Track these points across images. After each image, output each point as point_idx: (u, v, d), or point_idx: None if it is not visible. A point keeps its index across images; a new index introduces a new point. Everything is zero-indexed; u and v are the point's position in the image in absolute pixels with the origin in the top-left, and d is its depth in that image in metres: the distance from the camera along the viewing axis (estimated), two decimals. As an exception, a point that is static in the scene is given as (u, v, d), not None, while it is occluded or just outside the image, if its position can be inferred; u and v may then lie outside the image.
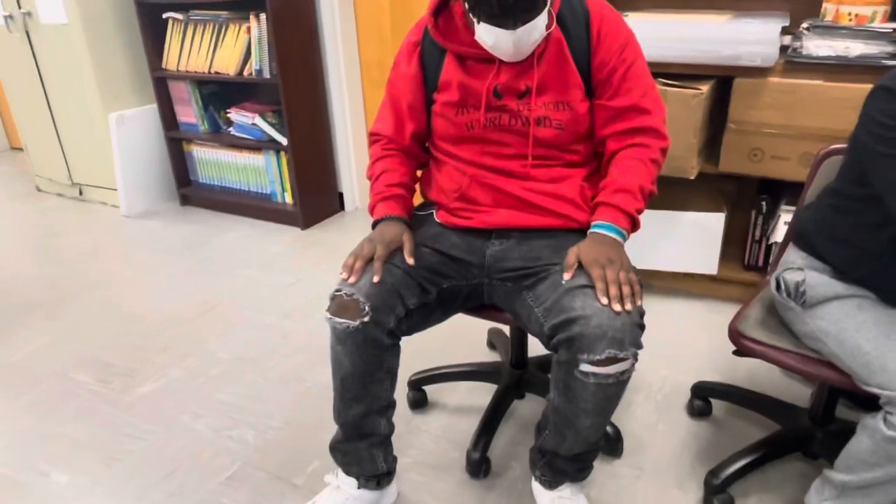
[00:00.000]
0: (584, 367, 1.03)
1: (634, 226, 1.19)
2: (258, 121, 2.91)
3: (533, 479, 1.38)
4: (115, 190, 3.25)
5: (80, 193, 3.49)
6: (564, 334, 1.05)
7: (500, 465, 1.53)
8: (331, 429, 1.35)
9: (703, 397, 1.66)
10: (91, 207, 3.40)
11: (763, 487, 1.42)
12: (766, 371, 1.81)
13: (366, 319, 1.12)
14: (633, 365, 1.05)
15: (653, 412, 1.68)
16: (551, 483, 1.31)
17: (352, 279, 1.16)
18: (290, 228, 3.01)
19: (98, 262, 2.75)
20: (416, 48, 1.28)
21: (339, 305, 1.15)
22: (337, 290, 1.16)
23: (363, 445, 1.28)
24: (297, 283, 2.48)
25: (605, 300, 1.04)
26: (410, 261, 1.20)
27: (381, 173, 1.33)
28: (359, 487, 1.32)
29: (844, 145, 1.28)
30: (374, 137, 1.38)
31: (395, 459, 1.35)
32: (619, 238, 1.15)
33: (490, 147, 1.25)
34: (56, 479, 1.54)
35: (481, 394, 1.75)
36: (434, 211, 1.35)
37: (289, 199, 3.04)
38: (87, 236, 3.03)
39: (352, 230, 2.97)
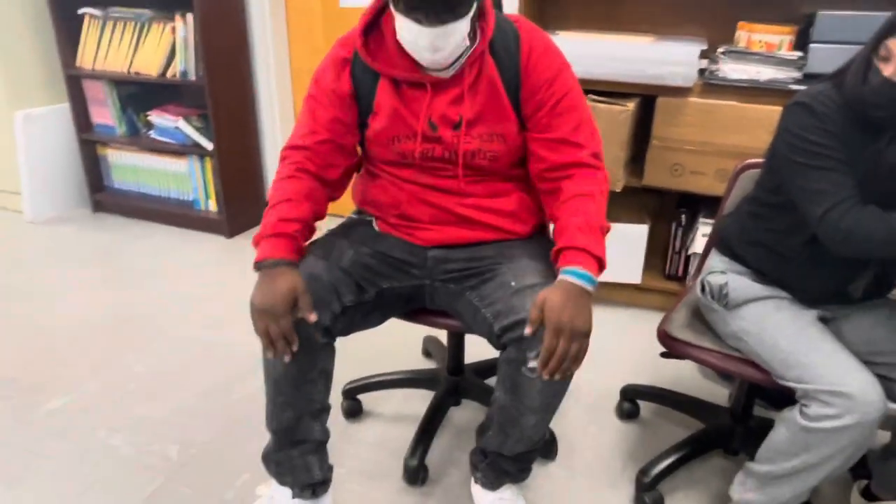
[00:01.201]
0: (532, 364, 1.04)
1: (601, 268, 1.09)
2: (182, 124, 2.80)
3: (473, 482, 1.38)
4: (19, 194, 3.02)
5: (-22, 197, 3.22)
6: (515, 334, 1.06)
7: (437, 471, 1.52)
8: (260, 441, 1.30)
9: (631, 399, 1.72)
10: (-10, 213, 3.14)
11: (689, 483, 1.48)
12: (689, 373, 1.91)
13: (299, 315, 1.08)
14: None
15: (584, 415, 1.72)
16: (493, 484, 1.32)
17: (286, 358, 1.10)
18: (214, 237, 2.90)
19: (0, 271, 2.53)
20: (345, 65, 1.19)
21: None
22: None
23: (296, 453, 1.24)
24: (222, 292, 2.38)
25: (542, 370, 1.02)
26: (312, 318, 1.08)
27: (279, 202, 1.15)
28: (293, 497, 1.27)
29: (759, 160, 1.38)
30: (285, 153, 1.22)
31: (330, 468, 1.32)
32: (590, 288, 1.05)
33: (425, 170, 1.22)
34: (-50, 505, 1.40)
35: (417, 402, 1.74)
36: (373, 220, 1.33)
37: (213, 206, 2.93)
38: (-14, 243, 2.80)
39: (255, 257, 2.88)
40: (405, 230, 1.27)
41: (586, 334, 1.02)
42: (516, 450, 1.22)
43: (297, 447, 1.23)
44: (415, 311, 1.35)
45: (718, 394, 1.81)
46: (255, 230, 2.89)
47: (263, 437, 1.28)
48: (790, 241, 1.18)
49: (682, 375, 1.90)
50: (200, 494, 1.43)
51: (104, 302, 2.30)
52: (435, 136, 1.17)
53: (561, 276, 1.05)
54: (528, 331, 1.03)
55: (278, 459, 1.25)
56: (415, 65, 1.13)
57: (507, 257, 1.19)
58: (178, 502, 1.41)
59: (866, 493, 1.37)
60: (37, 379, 1.84)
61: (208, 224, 2.93)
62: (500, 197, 1.24)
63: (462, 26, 1.04)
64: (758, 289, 1.23)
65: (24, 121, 2.86)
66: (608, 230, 1.13)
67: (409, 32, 1.05)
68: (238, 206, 2.91)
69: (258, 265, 1.11)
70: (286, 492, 1.27)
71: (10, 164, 2.96)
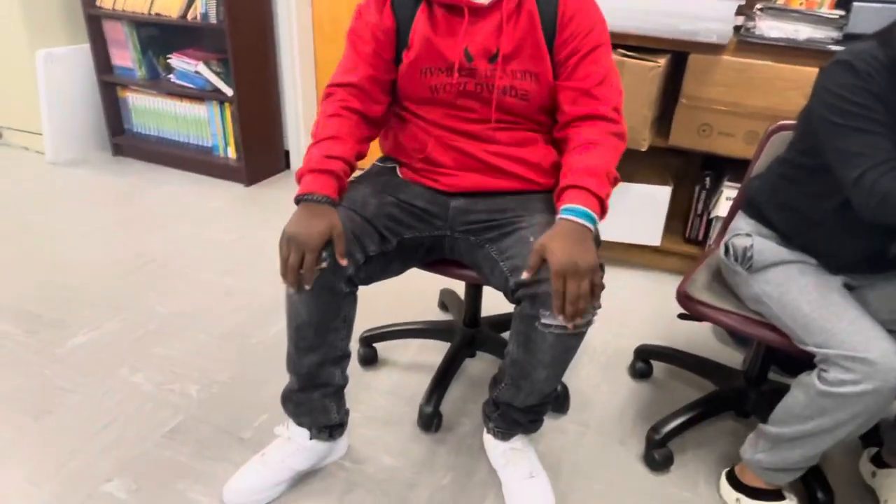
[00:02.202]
0: (546, 320, 1.05)
1: (604, 211, 1.10)
2: (202, 68, 2.77)
3: (485, 432, 1.40)
4: (41, 135, 3.03)
5: (0, 136, 3.23)
6: (530, 290, 1.06)
7: (450, 420, 1.54)
8: (278, 384, 1.32)
9: (644, 359, 1.73)
10: (13, 152, 3.15)
11: (699, 443, 1.50)
12: (704, 336, 1.91)
13: (323, 265, 1.09)
14: (592, 319, 1.07)
15: (597, 373, 1.74)
16: (504, 434, 1.34)
17: (292, 290, 1.10)
18: (233, 184, 2.90)
19: (21, 210, 2.56)
20: None
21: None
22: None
23: (317, 395, 1.26)
24: (240, 239, 2.40)
25: (560, 318, 1.01)
26: (343, 262, 1.07)
27: (324, 138, 1.16)
28: (311, 438, 1.30)
29: (792, 122, 1.35)
30: (330, 90, 1.23)
31: (347, 412, 1.34)
32: (590, 225, 1.05)
33: (454, 110, 1.23)
34: (-21, 431, 1.45)
35: (432, 353, 1.76)
36: (396, 167, 1.32)
37: (232, 153, 2.92)
38: (8, 182, 2.82)
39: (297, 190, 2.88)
40: (429, 175, 1.26)
41: (592, 270, 1.00)
42: (528, 402, 1.24)
43: (317, 391, 1.25)
44: (434, 261, 1.35)
45: (732, 358, 1.81)
46: (273, 179, 2.94)
47: (281, 381, 1.30)
48: (821, 205, 1.16)
49: (697, 338, 1.90)
50: (219, 432, 1.47)
51: (124, 244, 2.32)
52: (470, 67, 1.17)
53: (560, 217, 1.06)
54: (525, 275, 1.03)
55: (298, 401, 1.28)
56: None
57: (528, 211, 1.19)
58: (197, 439, 1.45)
59: (876, 460, 1.38)
60: (60, 316, 1.88)
61: (227, 171, 2.93)
62: (526, 146, 1.24)
63: None
64: (783, 252, 1.21)
65: (46, 60, 2.85)
66: (617, 180, 1.14)
67: None
68: (257, 153, 2.90)
69: (300, 198, 1.11)
70: (304, 432, 1.30)
71: (31, 104, 2.97)
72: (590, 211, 1.06)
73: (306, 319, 1.15)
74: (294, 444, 1.30)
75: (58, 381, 1.62)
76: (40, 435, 1.44)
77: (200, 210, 2.64)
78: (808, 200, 1.18)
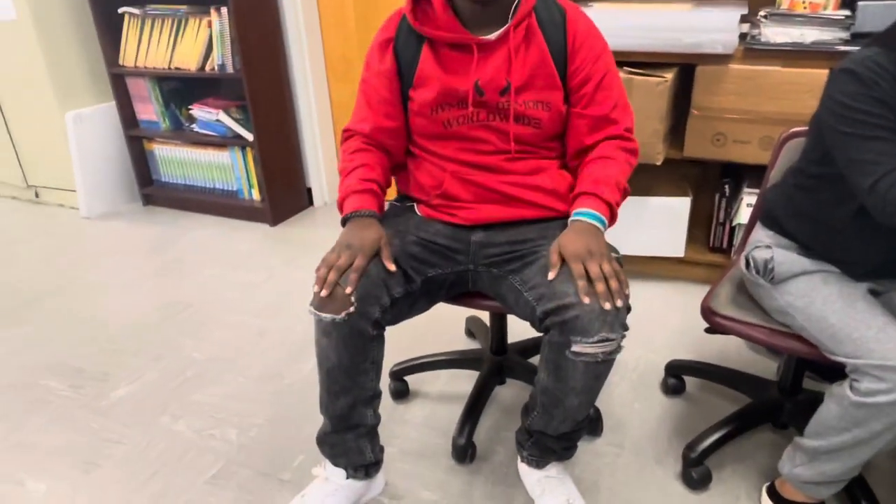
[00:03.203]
0: (576, 348, 1.06)
1: (613, 217, 1.19)
2: (222, 116, 2.86)
3: (519, 460, 1.41)
4: (74, 191, 3.15)
5: (37, 196, 3.37)
6: (558, 318, 1.07)
7: (485, 449, 1.55)
8: (315, 422, 1.35)
9: (676, 375, 1.72)
10: (49, 210, 3.29)
11: (737, 458, 1.48)
12: (735, 347, 1.89)
13: (351, 311, 1.12)
14: (620, 344, 1.08)
15: (629, 392, 1.73)
16: (539, 462, 1.35)
17: (324, 293, 1.11)
18: (259, 225, 2.98)
19: (59, 267, 2.67)
20: (388, 44, 1.26)
21: (322, 298, 1.14)
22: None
23: (350, 437, 1.29)
24: (269, 280, 2.46)
25: (586, 299, 1.04)
26: (392, 267, 1.16)
27: (355, 167, 1.27)
28: (347, 478, 1.32)
29: (804, 128, 1.35)
30: (348, 133, 1.33)
31: (382, 449, 1.36)
32: (599, 225, 1.15)
33: (468, 143, 1.26)
34: (34, 488, 1.50)
35: (462, 382, 1.77)
36: (414, 205, 1.36)
37: (256, 195, 3.00)
38: (46, 240, 2.94)
39: (321, 226, 2.95)
40: (447, 210, 1.29)
41: (604, 254, 1.09)
42: (561, 429, 1.24)
43: (350, 432, 1.28)
44: (458, 294, 1.37)
45: (765, 367, 1.78)
46: (298, 217, 3.01)
47: (316, 419, 1.33)
48: (838, 212, 1.15)
49: (728, 349, 1.88)
50: (259, 475, 1.51)
51: (160, 292, 2.40)
52: (482, 100, 1.21)
53: (571, 220, 1.16)
54: (551, 275, 1.10)
55: (333, 443, 1.30)
56: (461, 27, 1.19)
57: (548, 238, 1.21)
58: (238, 483, 1.49)
59: (923, 465, 1.34)
60: (102, 369, 1.95)
61: (253, 213, 3.01)
62: (540, 173, 1.27)
63: None
64: (805, 262, 1.20)
65: (75, 121, 2.98)
66: (627, 192, 1.22)
67: None
68: (280, 194, 2.97)
69: (347, 217, 1.21)
70: (340, 472, 1.33)
71: (64, 163, 3.10)
72: (599, 214, 1.16)
73: (336, 363, 1.18)
74: (332, 485, 1.33)
75: (104, 433, 1.67)
76: (92, 488, 1.50)
77: (229, 253, 2.71)
78: (825, 208, 1.17)
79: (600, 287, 1.05)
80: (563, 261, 1.11)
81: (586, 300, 1.05)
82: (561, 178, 1.28)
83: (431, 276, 1.26)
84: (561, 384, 1.13)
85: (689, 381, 1.74)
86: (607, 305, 1.05)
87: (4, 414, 1.77)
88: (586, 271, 1.07)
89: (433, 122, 1.25)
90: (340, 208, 1.24)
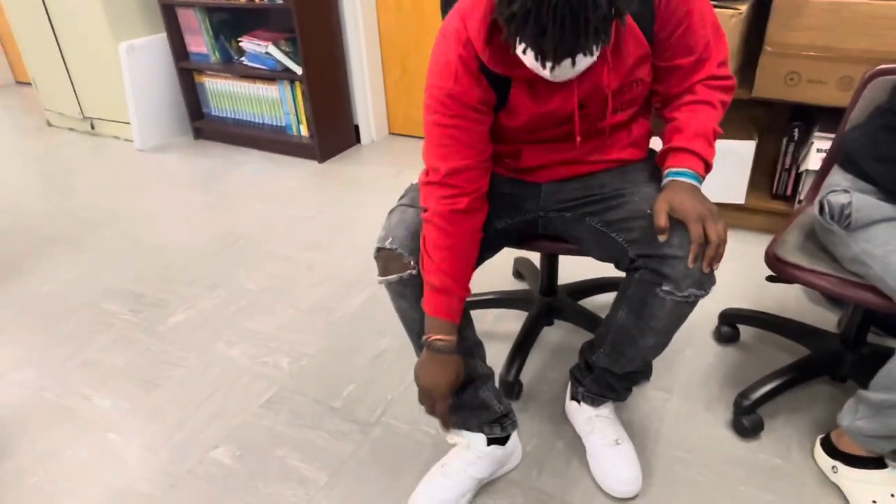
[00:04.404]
0: (667, 286, 1.04)
1: (707, 172, 1.10)
2: (272, 49, 2.83)
3: (569, 398, 1.41)
4: (128, 124, 3.21)
5: (92, 128, 3.45)
6: (654, 265, 1.05)
7: (531, 388, 1.56)
8: (363, 355, 1.38)
9: (730, 323, 1.68)
10: (104, 142, 3.36)
11: (791, 409, 1.45)
12: (794, 298, 1.82)
13: (413, 271, 1.10)
14: (710, 290, 1.06)
15: (681, 338, 1.70)
16: (595, 400, 1.34)
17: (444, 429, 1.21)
18: (307, 162, 2.98)
19: (116, 197, 2.74)
20: (475, 63, 1.01)
21: (384, 262, 1.13)
22: (378, 248, 1.13)
23: (470, 393, 1.23)
24: (318, 215, 2.47)
25: (693, 264, 1.01)
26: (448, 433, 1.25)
27: (448, 252, 1.08)
28: (489, 444, 1.28)
29: (892, 66, 1.24)
30: (426, 191, 1.08)
31: (509, 403, 1.31)
32: (698, 185, 1.07)
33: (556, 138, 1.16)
34: (99, 404, 1.59)
35: (509, 322, 1.77)
36: None
37: (304, 131, 3.00)
38: (103, 171, 3.01)
39: (369, 163, 2.94)
40: (517, 173, 1.22)
41: (720, 217, 1.02)
42: (627, 368, 1.23)
43: (468, 387, 1.22)
44: (525, 238, 1.33)
45: (826, 319, 1.72)
46: (345, 154, 3.01)
47: (365, 353, 1.35)
48: (929, 156, 1.07)
49: (787, 300, 1.82)
50: (311, 402, 1.55)
51: (213, 224, 2.45)
52: (583, 112, 1.10)
53: (673, 179, 1.07)
54: (662, 238, 1.03)
55: (457, 405, 1.24)
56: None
57: (630, 182, 1.16)
58: (291, 408, 1.54)
59: None
60: (160, 295, 2.02)
61: (301, 149, 3.01)
62: (625, 129, 1.18)
63: (596, 52, 0.88)
64: (886, 209, 1.13)
65: (128, 52, 2.99)
66: (720, 134, 1.12)
67: (535, 67, 0.90)
68: (328, 130, 2.96)
69: (427, 344, 1.11)
70: (481, 438, 1.28)
71: (118, 96, 3.14)
72: (698, 174, 1.08)
73: (419, 319, 1.15)
74: (473, 453, 1.27)
75: (162, 356, 1.74)
76: (151, 406, 1.57)
77: (278, 188, 2.73)
78: (915, 152, 1.09)
79: (712, 252, 1.00)
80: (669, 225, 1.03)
81: (693, 265, 1.01)
82: (643, 127, 1.21)
83: (500, 227, 1.22)
84: (641, 322, 1.11)
85: (744, 331, 1.70)
86: (707, 269, 1.02)
87: (71, 334, 1.86)
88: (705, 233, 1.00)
89: (531, 136, 1.15)
90: (425, 305, 1.12)
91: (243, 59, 2.99)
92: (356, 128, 3.13)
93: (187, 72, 3.18)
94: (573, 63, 0.87)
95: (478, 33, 0.96)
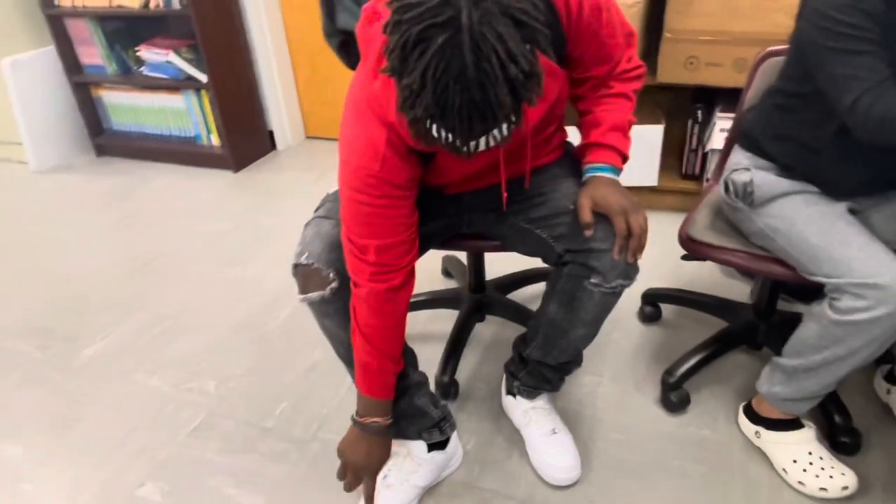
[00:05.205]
0: (595, 279, 1.06)
1: (625, 163, 1.14)
2: (173, 57, 2.70)
3: (505, 393, 1.42)
4: (21, 144, 2.98)
5: (-20, 151, 3.18)
6: (581, 258, 1.07)
7: (467, 386, 1.56)
8: (294, 370, 1.34)
9: (652, 303, 1.74)
10: (-6, 166, 3.11)
11: (714, 380, 1.51)
12: (709, 273, 1.91)
13: (335, 285, 1.07)
14: (634, 280, 1.10)
15: (607, 322, 1.71)
16: (530, 393, 1.36)
17: (367, 502, 1.16)
18: (221, 172, 2.87)
19: (14, 224, 2.54)
20: (403, 146, 0.97)
21: (302, 279, 1.09)
22: (294, 264, 1.10)
23: (405, 402, 1.22)
24: (236, 229, 2.38)
25: (618, 256, 1.04)
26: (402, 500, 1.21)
27: (385, 332, 1.07)
28: (430, 451, 1.27)
29: (782, 47, 1.31)
30: (375, 265, 1.02)
31: (445, 405, 1.30)
32: (617, 178, 1.10)
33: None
34: (10, 452, 1.47)
35: (440, 322, 1.76)
36: None
37: (216, 140, 2.88)
38: (-4, 197, 2.79)
39: (287, 170, 2.85)
40: (432, 187, 1.19)
41: (641, 210, 1.05)
42: (560, 359, 1.25)
43: (402, 397, 1.21)
44: (448, 238, 1.32)
45: (740, 291, 1.81)
46: (262, 162, 2.90)
47: (297, 368, 1.31)
48: (819, 132, 1.13)
49: (702, 276, 1.90)
50: (243, 425, 1.49)
51: (123, 246, 2.31)
52: (507, 156, 1.08)
53: (593, 175, 1.09)
54: (588, 233, 1.05)
55: (395, 416, 1.19)
56: None
57: (550, 179, 1.16)
58: (221, 434, 1.47)
59: (890, 378, 1.39)
60: (70, 327, 1.89)
61: (214, 159, 2.89)
62: (542, 146, 1.18)
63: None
64: (785, 184, 1.19)
65: (13, 67, 2.78)
66: (634, 123, 1.15)
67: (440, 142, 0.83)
68: (241, 138, 2.85)
69: (362, 425, 1.12)
70: (421, 445, 1.27)
71: (6, 114, 2.91)
72: (617, 167, 1.11)
73: (347, 340, 1.12)
74: (414, 461, 1.26)
75: (77, 393, 1.63)
76: (68, 449, 1.46)
77: (192, 202, 2.61)
78: (806, 128, 1.15)
79: (634, 243, 1.03)
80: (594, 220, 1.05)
81: (617, 256, 1.04)
82: (559, 136, 1.22)
83: (424, 231, 1.20)
84: (571, 315, 1.12)
85: (666, 308, 1.76)
86: (631, 259, 1.05)
87: (-31, 379, 1.71)
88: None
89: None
90: (359, 386, 1.12)
91: (143, 69, 2.84)
92: (271, 133, 3.03)
93: (83, 86, 2.98)
94: (487, 145, 0.82)
95: (399, 119, 0.86)
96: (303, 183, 2.69)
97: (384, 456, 1.15)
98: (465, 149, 0.82)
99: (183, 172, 2.90)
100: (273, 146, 3.05)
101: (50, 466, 1.42)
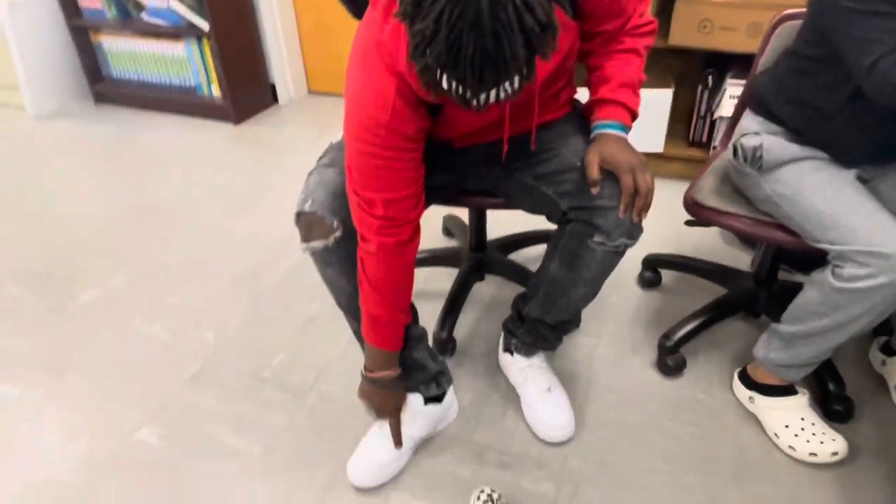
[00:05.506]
0: (598, 238, 1.05)
1: (634, 121, 1.11)
2: (174, 4, 2.63)
3: (502, 350, 1.43)
4: (18, 89, 2.93)
5: (-24, 94, 3.13)
6: (586, 216, 1.05)
7: (465, 344, 1.57)
8: (292, 323, 1.33)
9: (652, 268, 1.73)
10: (-9, 110, 3.07)
11: (711, 346, 1.52)
12: (711, 240, 1.90)
13: (338, 234, 1.06)
14: (637, 239, 1.09)
15: (606, 285, 1.70)
16: (528, 351, 1.36)
17: (395, 444, 1.22)
18: (221, 124, 2.83)
19: (12, 169, 2.51)
20: (413, 96, 0.94)
21: (305, 227, 1.08)
22: (298, 212, 1.08)
23: (405, 354, 1.21)
24: (236, 181, 2.36)
25: (623, 214, 1.03)
26: (399, 447, 1.23)
27: (395, 285, 1.07)
28: (426, 404, 1.28)
29: (799, 10, 1.28)
30: (383, 219, 1.00)
31: (443, 361, 1.31)
32: (626, 136, 1.08)
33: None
34: (7, 393, 1.48)
35: (440, 280, 1.76)
36: None
37: (216, 91, 2.83)
38: (-7, 141, 2.76)
39: (288, 124, 2.82)
40: (439, 140, 1.16)
41: (648, 168, 1.03)
42: (559, 318, 1.25)
43: (403, 350, 1.20)
44: (451, 195, 1.31)
45: (740, 259, 1.81)
46: (262, 116, 2.86)
47: (295, 319, 1.31)
48: (834, 96, 1.11)
49: (704, 243, 1.89)
50: (240, 375, 1.50)
51: (120, 194, 2.29)
52: (513, 111, 1.06)
53: (603, 131, 1.07)
54: (595, 191, 1.04)
55: None
56: None
57: (557, 135, 1.14)
58: (219, 383, 1.48)
59: (885, 349, 1.40)
60: (67, 273, 1.88)
61: (214, 111, 2.85)
62: (550, 101, 1.15)
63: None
64: (794, 149, 1.18)
65: (10, 10, 2.71)
66: (644, 81, 1.12)
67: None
68: (242, 90, 2.80)
69: (372, 380, 1.16)
70: (417, 398, 1.27)
71: (4, 57, 2.85)
72: (626, 125, 1.09)
73: (351, 290, 1.12)
74: (410, 413, 1.26)
75: (74, 338, 1.63)
76: (67, 392, 1.47)
77: (191, 153, 2.58)
78: (820, 93, 1.13)
79: (640, 202, 1.02)
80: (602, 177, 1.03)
81: (623, 215, 1.03)
82: (568, 91, 1.19)
83: (429, 184, 1.19)
84: (573, 273, 1.11)
85: (666, 274, 1.76)
86: (636, 218, 1.04)
87: (-33, 321, 1.71)
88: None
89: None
90: (366, 337, 1.13)
91: (143, 14, 2.77)
92: (272, 87, 2.98)
93: (81, 30, 2.91)
94: (497, 98, 0.80)
95: (408, 69, 0.85)
96: (304, 139, 2.65)
97: (401, 398, 1.22)
98: (474, 101, 0.80)
99: (182, 123, 2.86)
100: (275, 99, 3.01)
101: (48, 408, 1.43)
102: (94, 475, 1.28)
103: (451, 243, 1.93)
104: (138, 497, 1.23)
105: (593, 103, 1.12)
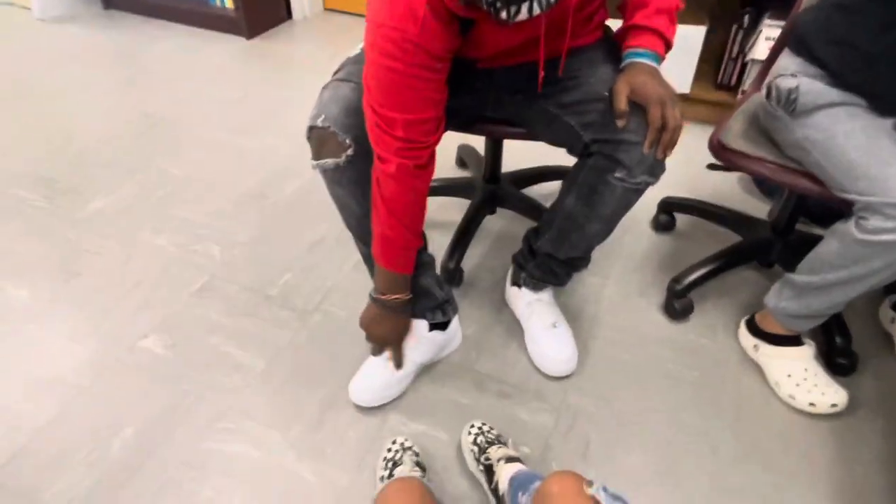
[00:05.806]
0: (619, 174, 1.02)
1: (668, 51, 1.06)
2: None
3: (510, 283, 1.41)
4: (23, -13, 2.83)
5: (-19, -9, 3.03)
6: (608, 150, 1.02)
7: (472, 275, 1.56)
8: (298, 242, 1.32)
9: (668, 212, 1.70)
10: (-3, 9, 2.97)
11: (720, 292, 1.51)
12: (729, 187, 1.86)
13: (350, 152, 1.02)
14: (659, 178, 1.06)
15: (619, 225, 1.69)
16: (536, 285, 1.35)
17: (396, 367, 1.24)
18: (233, 38, 2.73)
19: (17, 72, 2.45)
20: (444, 10, 0.89)
21: (317, 143, 1.04)
22: (310, 127, 1.04)
23: (412, 279, 1.19)
24: (247, 97, 2.30)
25: (648, 150, 0.99)
26: (398, 372, 1.24)
27: (411, 208, 1.05)
28: (430, 330, 1.27)
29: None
30: (402, 140, 0.96)
31: (450, 289, 1.31)
32: (658, 67, 1.03)
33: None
34: (15, 294, 1.49)
35: (451, 210, 1.73)
36: None
37: (229, 3, 2.72)
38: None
39: (302, 41, 2.72)
40: (465, 59, 1.10)
41: (678, 102, 0.99)
42: (571, 254, 1.23)
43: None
44: (470, 120, 1.26)
45: (758, 208, 1.77)
46: (276, 31, 2.76)
47: (302, 241, 1.29)
48: (879, 38, 1.05)
49: (722, 190, 1.85)
50: (245, 290, 1.50)
51: (129, 104, 2.24)
52: (548, 31, 0.99)
53: (635, 60, 1.02)
54: (621, 123, 1.00)
55: None
56: None
57: (586, 62, 1.09)
58: (224, 297, 1.48)
59: (896, 307, 1.38)
60: (74, 180, 1.86)
61: (226, 23, 2.75)
62: (582, 25, 1.09)
63: None
64: (832, 94, 1.12)
65: None
66: (681, 10, 1.06)
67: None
68: (256, 2, 2.70)
69: (381, 302, 1.16)
70: (422, 323, 1.27)
71: (7, -48, 2.74)
72: (659, 54, 1.03)
73: (360, 211, 1.09)
74: (414, 337, 1.26)
75: (82, 244, 1.63)
76: (74, 296, 1.48)
77: (202, 67, 2.51)
78: (867, 33, 1.06)
79: (667, 137, 0.98)
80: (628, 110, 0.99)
81: (648, 150, 0.99)
82: (600, 14, 1.13)
83: (448, 105, 1.14)
84: (590, 209, 1.09)
85: (681, 219, 1.72)
86: (661, 155, 1.00)
87: (-26, 221, 1.70)
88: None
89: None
90: (378, 258, 1.11)
91: (154, -86, 2.64)
92: (287, 1, 2.87)
93: (89, -73, 2.78)
94: (530, 12, 0.76)
95: None
96: (317, 58, 2.57)
97: (406, 327, 1.23)
98: (504, 13, 0.75)
99: (193, 34, 2.76)
100: (289, 15, 2.90)
101: (55, 311, 1.44)
102: (98, 377, 1.30)
103: (465, 174, 1.89)
104: (141, 401, 1.25)
105: (627, 30, 1.05)
